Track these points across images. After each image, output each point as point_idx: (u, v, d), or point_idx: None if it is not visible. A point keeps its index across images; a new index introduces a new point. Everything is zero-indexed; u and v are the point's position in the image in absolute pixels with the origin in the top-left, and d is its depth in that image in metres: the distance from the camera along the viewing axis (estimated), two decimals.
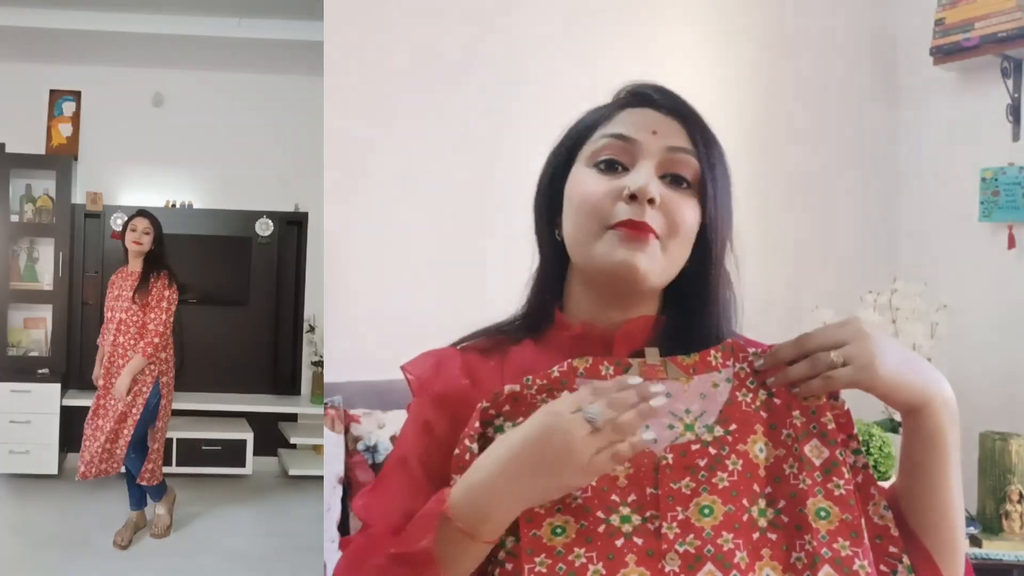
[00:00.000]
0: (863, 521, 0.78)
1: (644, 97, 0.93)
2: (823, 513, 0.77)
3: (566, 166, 0.93)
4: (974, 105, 2.62)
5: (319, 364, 4.11)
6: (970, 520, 2.21)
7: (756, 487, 0.79)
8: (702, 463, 0.80)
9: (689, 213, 0.87)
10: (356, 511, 0.93)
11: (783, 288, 2.69)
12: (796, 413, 0.82)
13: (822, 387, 0.82)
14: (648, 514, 0.78)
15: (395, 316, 2.17)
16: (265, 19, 3.72)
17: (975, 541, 2.17)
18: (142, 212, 3.20)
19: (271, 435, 4.07)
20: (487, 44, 2.33)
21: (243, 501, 3.64)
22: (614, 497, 0.79)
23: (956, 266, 2.62)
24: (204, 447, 3.75)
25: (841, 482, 0.79)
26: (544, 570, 0.76)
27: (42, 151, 4.13)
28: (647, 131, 0.88)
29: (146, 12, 3.66)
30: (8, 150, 4.00)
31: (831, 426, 0.82)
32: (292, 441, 4.00)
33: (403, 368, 0.97)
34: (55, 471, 3.82)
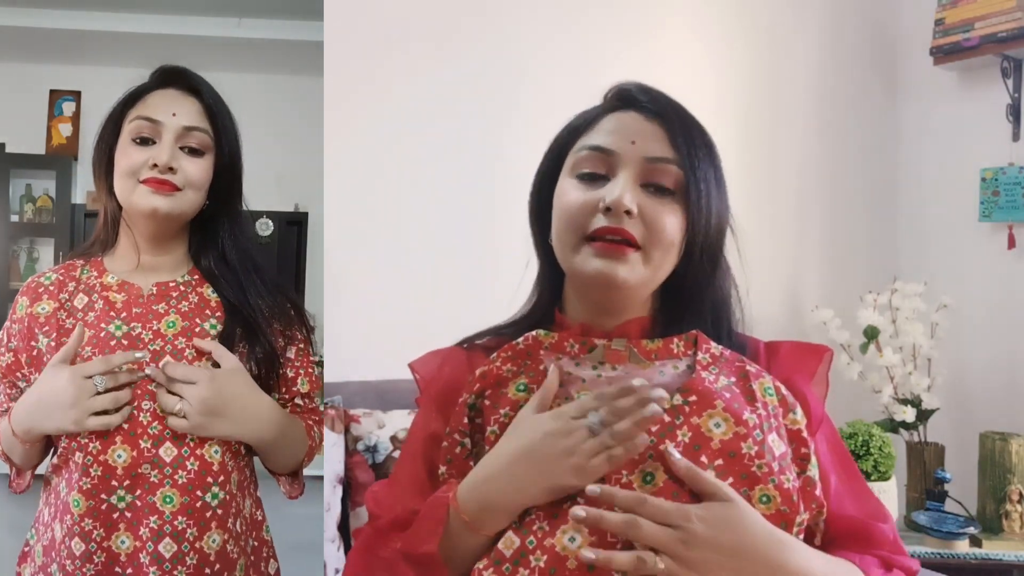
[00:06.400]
0: (797, 518, 0.80)
1: (628, 99, 0.92)
2: (765, 499, 0.79)
3: (553, 174, 0.94)
4: (974, 105, 2.63)
5: (319, 364, 4.11)
6: (970, 520, 2.21)
7: (704, 459, 0.80)
8: (654, 428, 0.82)
9: (671, 220, 0.86)
10: (366, 501, 0.96)
11: (783, 288, 2.69)
12: (759, 406, 0.84)
13: None
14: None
15: (395, 316, 2.17)
16: (265, 19, 3.72)
17: (975, 541, 2.17)
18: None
19: None
20: (488, 43, 2.33)
21: None
22: None
23: (956, 266, 2.63)
24: None
25: (791, 476, 0.81)
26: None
27: (42, 151, 4.13)
28: (626, 141, 0.87)
29: (147, 12, 3.66)
30: (8, 150, 4.00)
31: (784, 428, 0.84)
32: None
33: (410, 365, 1.00)
34: None
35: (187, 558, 1.06)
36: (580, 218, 0.86)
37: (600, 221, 0.85)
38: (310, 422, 1.25)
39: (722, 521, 0.75)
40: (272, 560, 1.23)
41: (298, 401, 1.24)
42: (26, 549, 1.16)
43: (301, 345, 1.23)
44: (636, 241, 0.84)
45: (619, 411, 0.79)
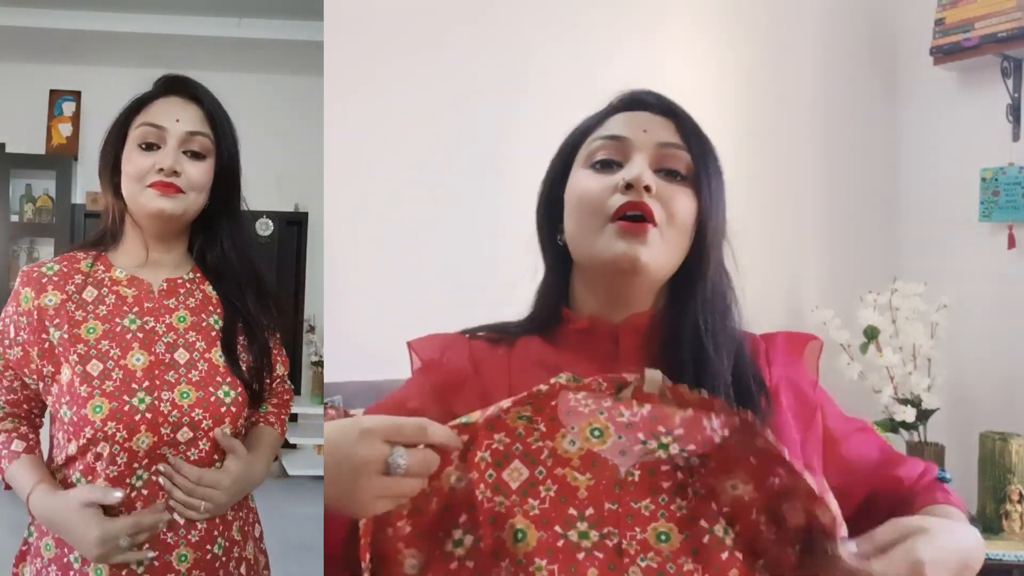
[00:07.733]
0: None
1: (636, 101, 0.97)
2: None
3: (564, 173, 0.97)
4: (974, 105, 2.63)
5: (319, 364, 4.10)
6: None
7: (714, 505, 0.77)
8: (666, 485, 0.78)
9: (684, 202, 0.89)
10: None
11: (783, 288, 2.69)
12: (781, 471, 0.76)
13: None
14: (606, 530, 0.77)
15: (395, 315, 2.16)
16: (265, 19, 3.72)
17: None
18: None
19: None
20: (488, 43, 2.33)
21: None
22: (571, 511, 0.78)
23: (956, 266, 2.62)
24: None
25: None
26: None
27: (42, 151, 4.13)
28: (638, 129, 0.92)
29: (146, 12, 3.66)
30: (8, 150, 4.00)
31: None
32: (292, 441, 3.98)
33: (409, 344, 1.02)
34: None
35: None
36: (600, 201, 0.88)
37: (620, 199, 0.87)
38: (283, 417, 1.41)
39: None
40: (257, 524, 1.27)
41: (276, 384, 1.34)
42: (24, 548, 1.14)
43: (276, 335, 1.31)
44: (655, 218, 0.86)
45: (423, 467, 0.72)
